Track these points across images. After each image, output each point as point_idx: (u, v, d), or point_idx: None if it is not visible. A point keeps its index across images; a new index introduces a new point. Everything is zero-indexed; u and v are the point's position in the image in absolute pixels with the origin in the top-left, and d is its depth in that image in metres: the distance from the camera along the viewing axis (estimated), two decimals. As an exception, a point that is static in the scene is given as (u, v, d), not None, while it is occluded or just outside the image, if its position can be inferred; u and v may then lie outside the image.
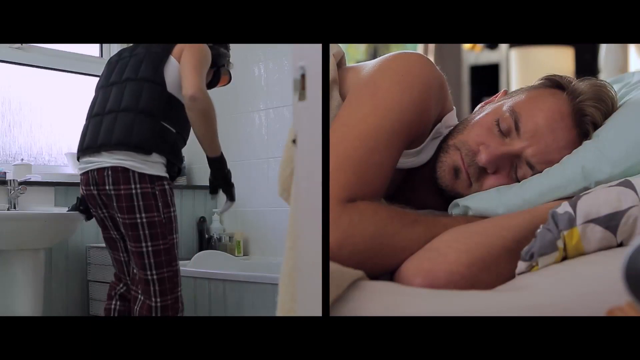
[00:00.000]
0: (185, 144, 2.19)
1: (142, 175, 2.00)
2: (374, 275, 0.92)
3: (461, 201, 1.09)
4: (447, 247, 0.95)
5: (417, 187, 1.19)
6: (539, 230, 0.93)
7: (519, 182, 1.08)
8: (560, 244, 0.91)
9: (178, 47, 2.13)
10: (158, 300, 2.04)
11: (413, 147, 1.14)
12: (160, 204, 2.04)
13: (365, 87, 1.08)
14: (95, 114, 2.13)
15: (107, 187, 2.03)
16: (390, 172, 1.03)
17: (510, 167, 1.10)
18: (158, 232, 2.04)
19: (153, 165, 2.03)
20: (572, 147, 1.06)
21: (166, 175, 2.07)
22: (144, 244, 2.03)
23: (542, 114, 1.08)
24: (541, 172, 1.06)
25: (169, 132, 2.07)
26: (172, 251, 2.08)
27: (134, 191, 2.00)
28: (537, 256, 0.91)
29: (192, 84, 2.05)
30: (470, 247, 0.94)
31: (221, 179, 2.20)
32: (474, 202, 1.07)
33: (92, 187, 2.08)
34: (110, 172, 2.01)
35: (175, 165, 2.11)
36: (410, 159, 1.15)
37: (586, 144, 1.06)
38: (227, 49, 2.42)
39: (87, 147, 2.09)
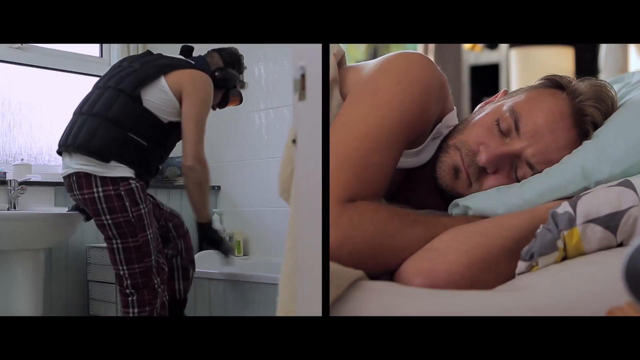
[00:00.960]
0: (161, 159, 2.21)
1: (103, 179, 2.04)
2: (374, 275, 0.92)
3: (461, 201, 1.09)
4: (447, 247, 0.94)
5: (417, 187, 1.19)
6: (539, 230, 0.93)
7: (519, 182, 1.08)
8: (560, 244, 0.91)
9: (176, 76, 2.16)
10: (133, 292, 2.10)
11: (413, 147, 1.14)
12: (127, 203, 2.06)
13: (366, 87, 1.08)
14: (76, 113, 2.20)
15: (75, 192, 2.11)
16: (390, 172, 1.03)
17: (510, 167, 1.09)
18: (126, 231, 2.08)
19: (115, 168, 2.05)
20: (572, 147, 1.06)
21: (132, 175, 2.08)
22: (114, 241, 2.09)
23: (542, 114, 1.08)
24: (541, 172, 1.06)
25: (136, 144, 2.09)
26: (145, 247, 2.11)
27: (96, 195, 2.05)
28: (537, 256, 0.91)
29: (192, 153, 2.12)
30: (470, 247, 0.94)
31: (208, 242, 2.36)
32: (474, 202, 1.07)
33: (69, 192, 2.17)
34: (75, 178, 2.08)
35: (143, 176, 2.13)
36: (411, 159, 1.15)
37: (586, 144, 1.06)
38: (241, 71, 2.43)
39: (62, 144, 2.16)
